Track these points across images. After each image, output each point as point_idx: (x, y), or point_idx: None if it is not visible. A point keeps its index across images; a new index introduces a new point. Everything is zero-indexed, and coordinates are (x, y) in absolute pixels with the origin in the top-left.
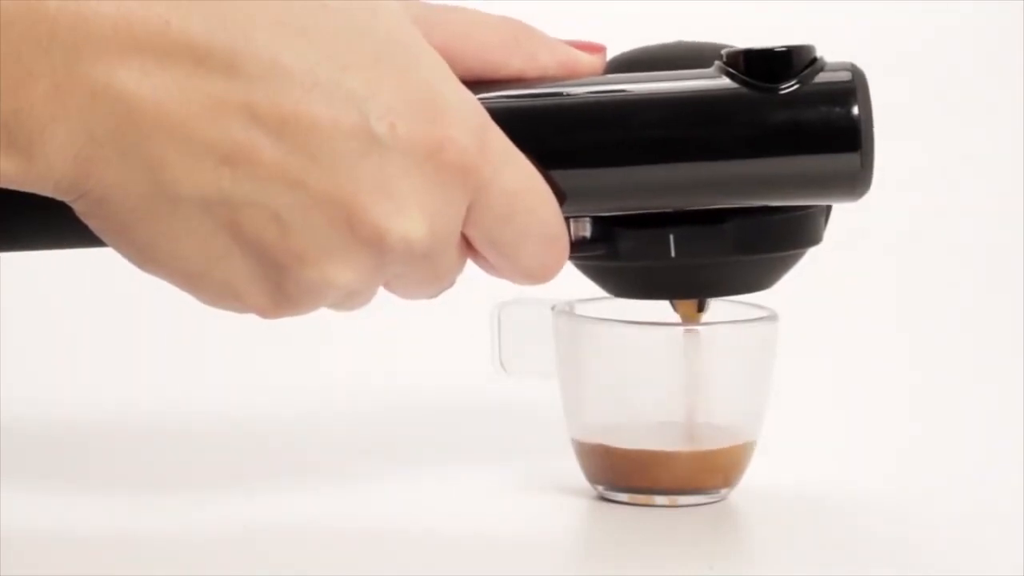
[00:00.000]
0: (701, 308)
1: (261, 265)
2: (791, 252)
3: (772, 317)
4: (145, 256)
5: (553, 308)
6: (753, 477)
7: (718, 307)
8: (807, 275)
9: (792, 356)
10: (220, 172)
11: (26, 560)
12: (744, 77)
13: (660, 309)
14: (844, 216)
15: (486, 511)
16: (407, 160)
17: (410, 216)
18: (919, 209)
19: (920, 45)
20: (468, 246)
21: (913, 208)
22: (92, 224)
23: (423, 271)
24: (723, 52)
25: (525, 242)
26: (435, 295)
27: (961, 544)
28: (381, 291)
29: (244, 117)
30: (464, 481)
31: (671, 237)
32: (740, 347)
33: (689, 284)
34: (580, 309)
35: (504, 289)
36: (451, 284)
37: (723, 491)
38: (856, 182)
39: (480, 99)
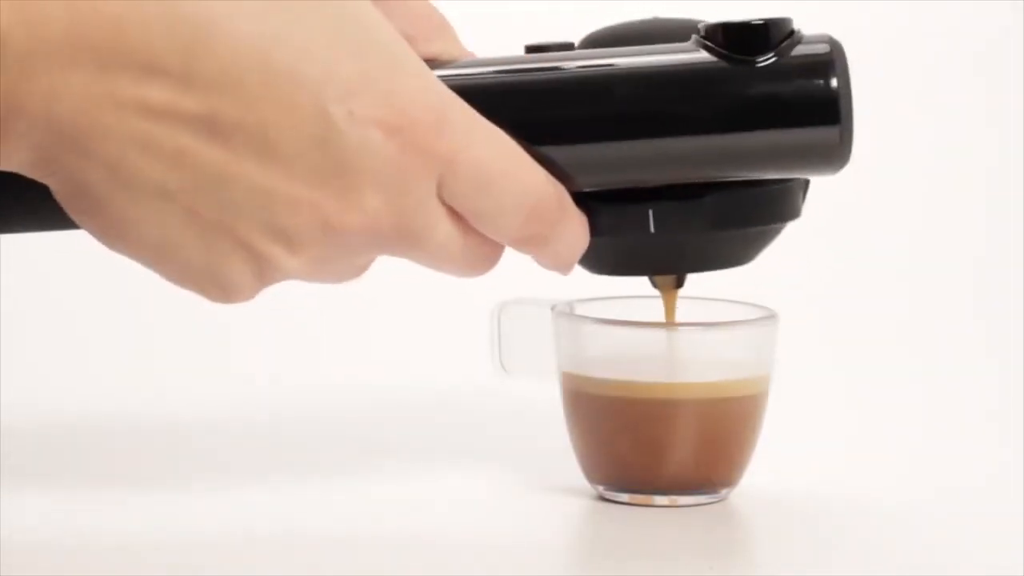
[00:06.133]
0: (680, 284)
1: (221, 251)
2: (770, 226)
3: (772, 317)
4: (110, 236)
5: (553, 308)
6: (753, 477)
7: (718, 307)
8: (807, 275)
9: (792, 356)
10: (176, 173)
11: (26, 560)
12: (722, 50)
13: (660, 311)
14: (844, 216)
15: (486, 511)
16: (364, 142)
17: (366, 200)
18: (920, 209)
19: (921, 42)
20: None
21: (914, 208)
22: (62, 203)
23: (419, 249)
24: (700, 26)
25: (508, 209)
26: (469, 272)
27: (961, 544)
28: (383, 289)
29: (196, 125)
30: (464, 481)
31: (650, 212)
32: (740, 347)
33: (668, 259)
34: (580, 309)
35: (504, 289)
36: (482, 262)
37: (723, 491)
38: (835, 155)
39: (455, 75)
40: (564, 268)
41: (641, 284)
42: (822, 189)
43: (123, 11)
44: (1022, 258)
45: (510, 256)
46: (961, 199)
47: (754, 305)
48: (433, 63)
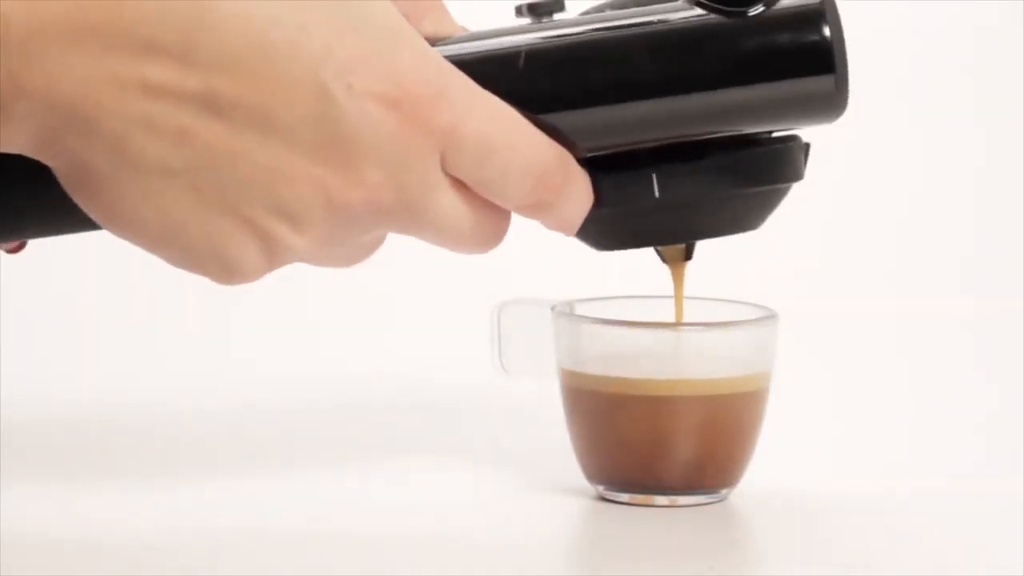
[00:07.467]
0: (688, 255)
1: (225, 230)
2: (773, 187)
3: (772, 317)
4: (113, 218)
5: (553, 308)
6: (753, 477)
7: (718, 307)
8: (807, 275)
9: (792, 356)
10: (179, 152)
11: (26, 558)
12: (712, 4)
13: (659, 310)
14: (845, 216)
15: (486, 511)
16: (363, 117)
17: (368, 175)
18: (920, 209)
19: (921, 39)
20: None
21: (914, 207)
22: (65, 186)
23: (422, 223)
24: None
25: (514, 176)
26: (476, 247)
27: (960, 544)
28: (383, 288)
29: (198, 102)
30: (464, 480)
31: (654, 177)
32: (740, 347)
33: (675, 227)
34: (580, 309)
35: (504, 289)
36: (489, 235)
37: (723, 491)
38: (832, 103)
39: (452, 50)
40: (569, 230)
41: (641, 284)
42: (822, 189)
43: None
44: (1021, 257)
45: (510, 256)
46: (960, 199)
47: (754, 305)
48: (429, 40)
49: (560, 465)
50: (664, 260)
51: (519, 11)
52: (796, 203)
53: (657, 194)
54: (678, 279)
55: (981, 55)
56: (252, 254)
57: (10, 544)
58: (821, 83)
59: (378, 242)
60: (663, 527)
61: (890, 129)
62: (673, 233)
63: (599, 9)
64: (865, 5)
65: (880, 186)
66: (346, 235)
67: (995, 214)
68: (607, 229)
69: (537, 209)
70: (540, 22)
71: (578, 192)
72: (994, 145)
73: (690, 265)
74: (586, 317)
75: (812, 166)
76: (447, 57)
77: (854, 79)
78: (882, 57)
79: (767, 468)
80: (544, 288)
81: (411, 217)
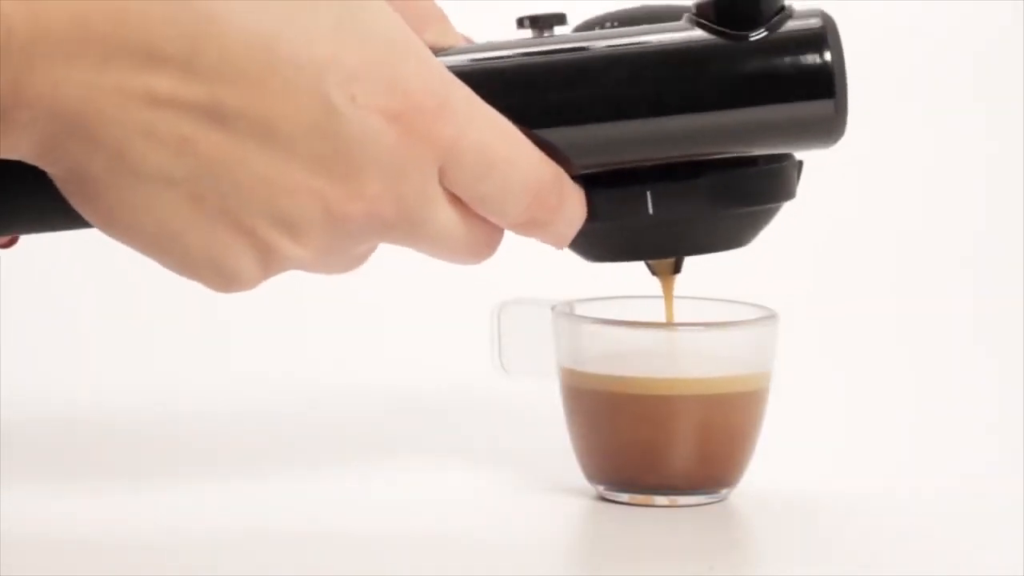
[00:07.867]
0: (677, 269)
1: (224, 239)
2: (766, 206)
3: (772, 317)
4: (113, 224)
5: (553, 308)
6: (753, 477)
7: (719, 307)
8: (807, 275)
9: (792, 356)
10: (180, 161)
11: (26, 557)
12: (714, 26)
13: (659, 310)
14: (845, 216)
15: (486, 511)
16: (366, 129)
17: (368, 187)
18: (920, 209)
19: (921, 42)
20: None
21: (914, 208)
22: (64, 192)
23: (419, 236)
24: (694, 3)
25: (511, 193)
26: (470, 259)
27: (960, 544)
28: (383, 288)
29: (200, 112)
30: (464, 481)
31: (648, 194)
32: (740, 346)
33: (666, 242)
34: (580, 309)
35: (504, 289)
36: (483, 247)
37: (723, 491)
38: (831, 128)
39: (453, 61)
40: (560, 245)
41: (640, 284)
42: (822, 189)
43: (126, 0)
44: (1022, 257)
45: (510, 256)
46: (960, 199)
47: (754, 305)
48: (431, 50)
49: (560, 465)
50: (654, 272)
51: (521, 23)
52: (796, 203)
53: (651, 211)
54: (667, 291)
55: (980, 55)
56: (249, 263)
57: (10, 544)
58: (821, 108)
59: (371, 251)
60: (663, 527)
61: (890, 129)
62: (664, 249)
63: (600, 24)
64: (864, 6)
65: (880, 186)
66: (344, 246)
67: (996, 214)
68: (598, 242)
69: (531, 226)
70: (541, 35)
71: (571, 210)
72: (995, 145)
73: (683, 270)
74: (586, 317)
75: (812, 165)
76: (448, 68)
77: (854, 78)
78: (881, 58)
79: (767, 468)
80: (544, 288)
81: (409, 229)
